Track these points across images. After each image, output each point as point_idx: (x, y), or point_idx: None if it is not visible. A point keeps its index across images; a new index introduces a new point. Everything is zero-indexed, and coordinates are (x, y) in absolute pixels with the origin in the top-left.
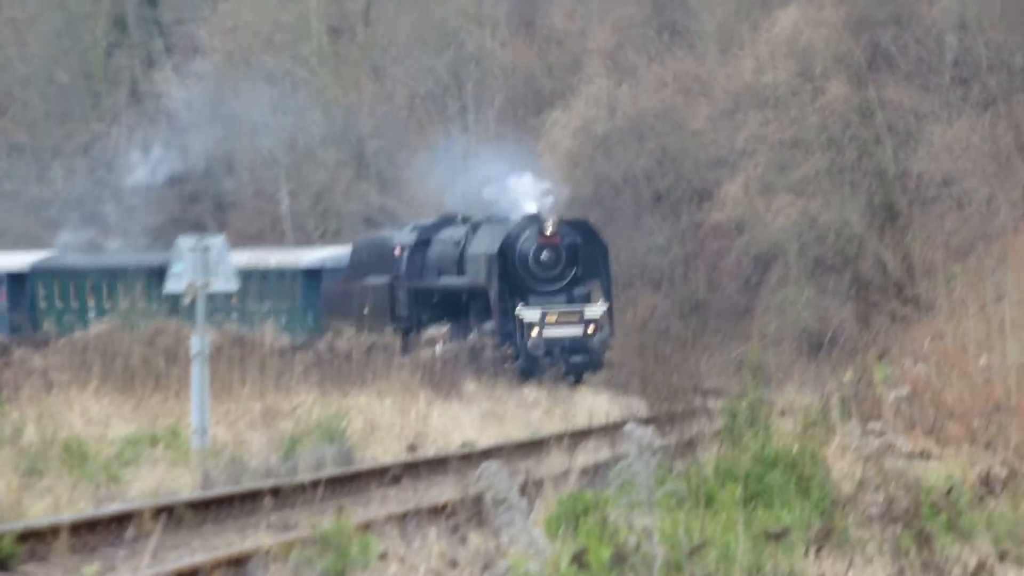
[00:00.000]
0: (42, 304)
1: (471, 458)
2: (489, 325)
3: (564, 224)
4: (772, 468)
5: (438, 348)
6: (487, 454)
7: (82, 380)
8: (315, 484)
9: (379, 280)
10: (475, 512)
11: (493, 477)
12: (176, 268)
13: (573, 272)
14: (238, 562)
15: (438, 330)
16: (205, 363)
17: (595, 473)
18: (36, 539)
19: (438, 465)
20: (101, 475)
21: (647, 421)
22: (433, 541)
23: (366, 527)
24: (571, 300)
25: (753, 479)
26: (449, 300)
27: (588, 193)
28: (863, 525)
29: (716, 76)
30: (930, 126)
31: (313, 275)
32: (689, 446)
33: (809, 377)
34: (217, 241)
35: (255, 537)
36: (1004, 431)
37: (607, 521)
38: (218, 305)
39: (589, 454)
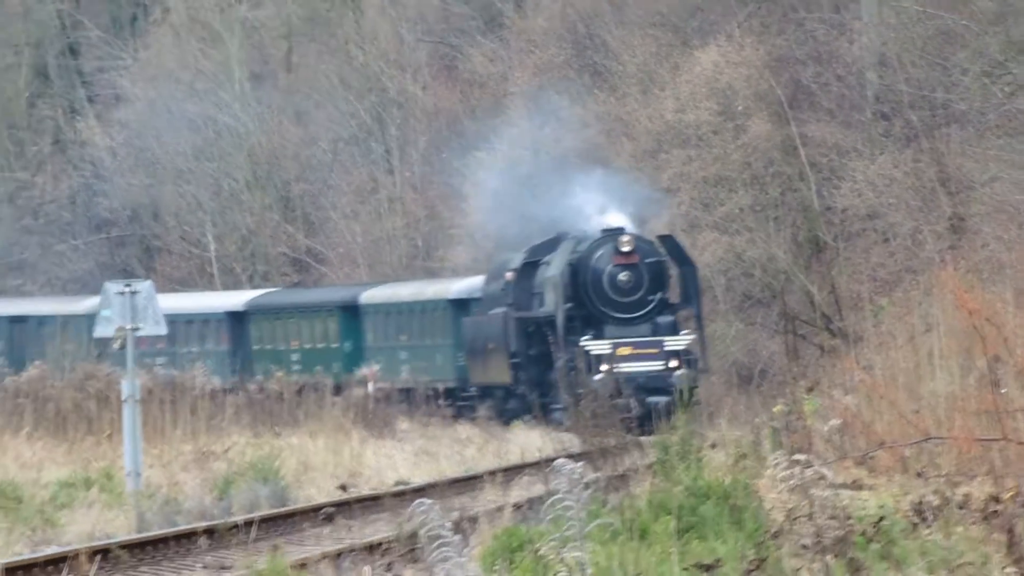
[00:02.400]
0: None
1: (405, 496)
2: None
3: (644, 240)
4: (705, 500)
5: (370, 387)
6: (421, 491)
7: (15, 425)
8: (249, 524)
9: (498, 311)
10: (409, 549)
11: (426, 514)
12: (104, 313)
13: (658, 297)
14: None
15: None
16: (136, 406)
17: (529, 508)
18: None
19: (372, 503)
20: (36, 518)
21: (580, 456)
22: None
23: (301, 566)
24: (656, 330)
25: (686, 511)
26: (542, 331)
27: (515, 232)
28: (796, 555)
29: (638, 116)
30: (853, 162)
31: (461, 307)
32: (622, 480)
33: (740, 410)
34: (145, 285)
35: None
36: (934, 460)
37: (541, 555)
38: (385, 347)
39: (523, 489)
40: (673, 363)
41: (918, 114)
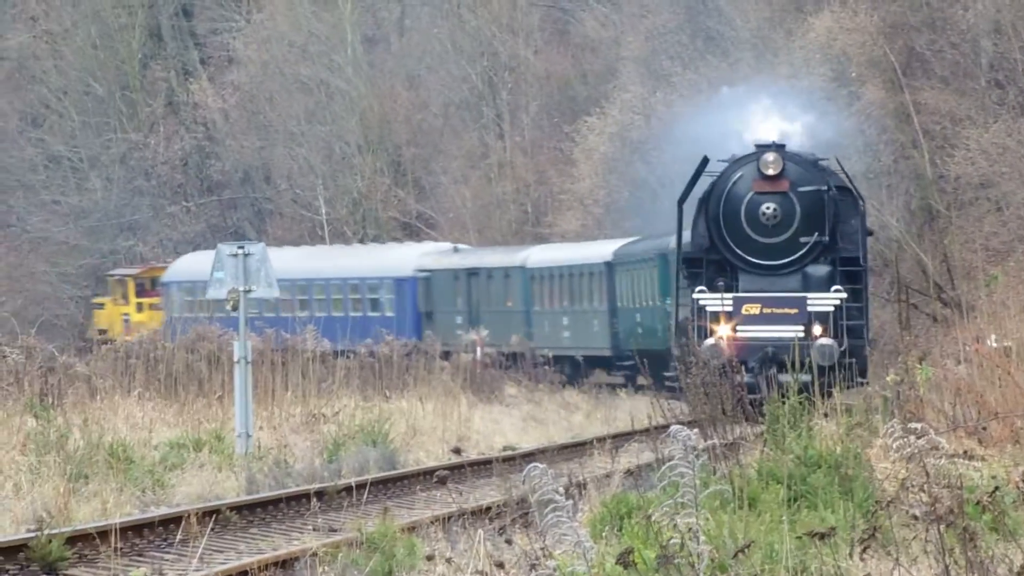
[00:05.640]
0: None
1: (514, 460)
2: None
3: (797, 160)
4: (815, 469)
5: (478, 352)
6: (530, 456)
7: (125, 386)
8: (360, 487)
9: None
10: (520, 514)
11: (538, 478)
12: (217, 275)
13: (813, 239)
14: (285, 564)
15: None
16: (247, 368)
17: (638, 475)
18: (84, 542)
19: (481, 468)
20: (147, 479)
21: (689, 424)
22: (479, 543)
23: (411, 529)
24: (806, 283)
25: (796, 480)
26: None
27: (625, 197)
28: (907, 525)
29: (751, 82)
30: (967, 130)
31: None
32: (731, 448)
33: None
34: (258, 248)
35: (301, 540)
36: None
37: (651, 522)
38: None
39: (631, 456)
40: (816, 329)
41: None
